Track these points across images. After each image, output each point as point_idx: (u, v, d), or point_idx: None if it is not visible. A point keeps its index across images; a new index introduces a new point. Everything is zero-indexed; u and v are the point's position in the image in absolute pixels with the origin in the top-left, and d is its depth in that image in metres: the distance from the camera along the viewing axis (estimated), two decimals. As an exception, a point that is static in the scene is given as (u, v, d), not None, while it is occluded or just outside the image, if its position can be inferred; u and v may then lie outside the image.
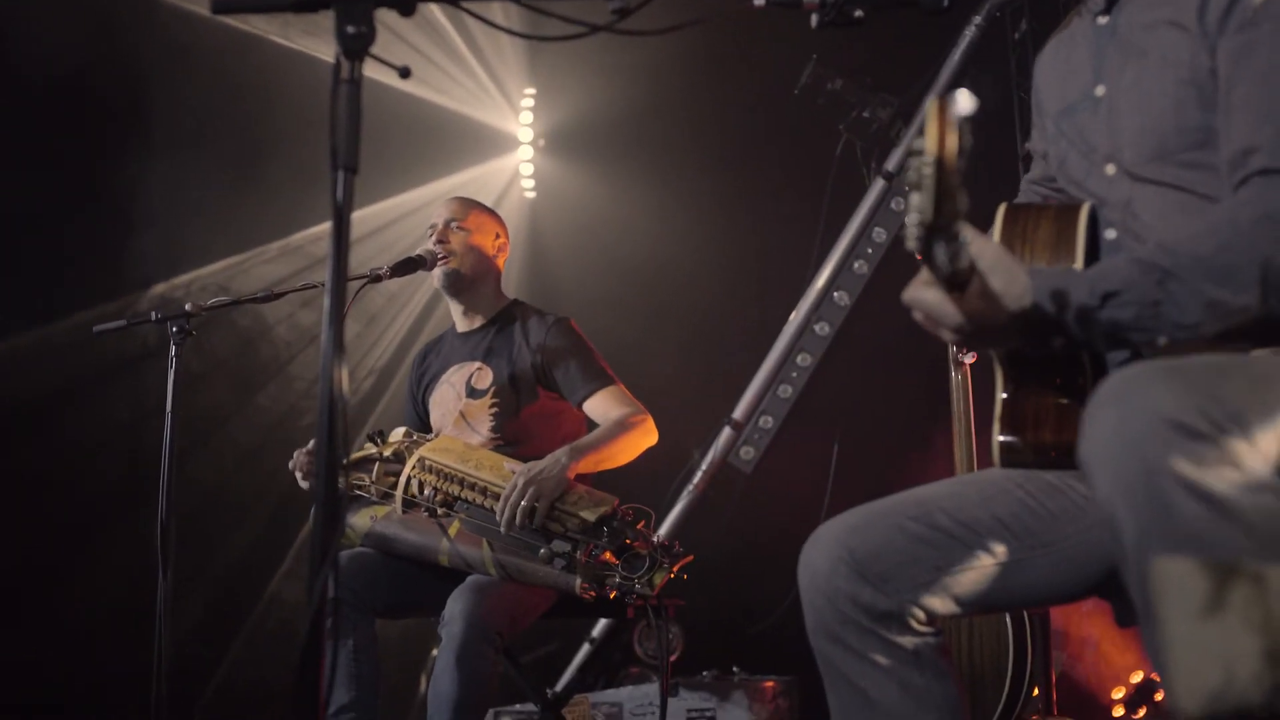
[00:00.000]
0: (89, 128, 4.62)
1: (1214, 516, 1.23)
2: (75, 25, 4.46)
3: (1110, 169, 1.69)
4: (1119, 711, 3.87)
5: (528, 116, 5.49)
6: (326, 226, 1.47)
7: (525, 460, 2.92)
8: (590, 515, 2.81)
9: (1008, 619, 3.35)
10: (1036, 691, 3.40)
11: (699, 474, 4.68)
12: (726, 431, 4.71)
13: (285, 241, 5.02)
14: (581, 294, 5.03)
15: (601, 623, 4.61)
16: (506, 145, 5.54)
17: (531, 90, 5.50)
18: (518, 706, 3.98)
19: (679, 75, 4.89)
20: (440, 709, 2.73)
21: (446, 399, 3.24)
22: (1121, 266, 1.46)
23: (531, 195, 5.55)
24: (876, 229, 4.69)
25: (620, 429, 3.03)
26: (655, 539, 2.82)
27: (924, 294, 1.47)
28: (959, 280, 1.42)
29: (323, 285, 1.49)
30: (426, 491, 2.94)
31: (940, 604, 1.64)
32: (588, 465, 2.95)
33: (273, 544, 4.85)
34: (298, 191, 4.77)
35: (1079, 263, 1.61)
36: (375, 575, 2.98)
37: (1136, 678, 3.87)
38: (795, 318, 4.76)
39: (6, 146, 4.30)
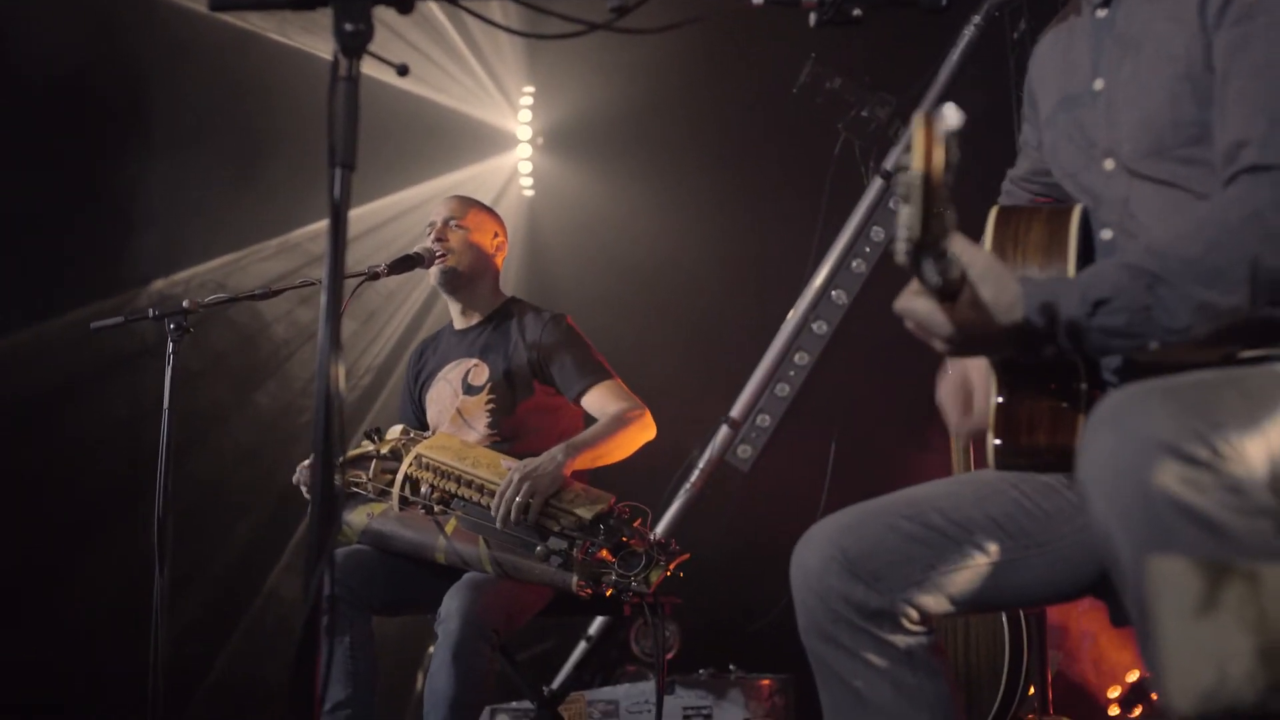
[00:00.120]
0: (87, 125, 4.62)
1: (1211, 541, 1.24)
2: (73, 22, 4.46)
3: (1109, 164, 1.68)
4: (1114, 711, 3.87)
5: (526, 115, 5.48)
6: (325, 224, 1.47)
7: (522, 458, 2.92)
8: (587, 513, 2.82)
9: (1004, 618, 3.35)
10: (1032, 690, 3.41)
11: (696, 472, 4.68)
12: (724, 430, 4.71)
13: (284, 239, 5.02)
14: (580, 292, 5.03)
15: (598, 620, 4.61)
16: (505, 143, 5.53)
17: (530, 88, 5.50)
18: (514, 704, 3.98)
19: (678, 74, 4.89)
20: (436, 706, 2.74)
21: (443, 396, 3.24)
22: (1110, 272, 1.45)
23: (530, 194, 5.55)
24: (875, 228, 4.69)
25: (617, 424, 3.03)
26: (652, 537, 2.82)
27: (915, 304, 1.46)
28: (950, 290, 1.42)
29: (320, 282, 1.49)
30: (423, 489, 2.94)
31: (933, 603, 1.64)
32: (584, 461, 2.95)
33: (271, 541, 4.85)
34: (296, 189, 4.76)
35: (1071, 265, 1.61)
36: (372, 572, 2.99)
37: (1132, 677, 3.87)
38: (793, 316, 4.76)
39: (5, 143, 4.30)
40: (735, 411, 4.73)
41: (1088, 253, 1.68)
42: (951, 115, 1.26)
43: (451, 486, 2.92)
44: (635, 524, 2.84)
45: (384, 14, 1.52)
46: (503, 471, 2.88)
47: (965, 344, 1.47)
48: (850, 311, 4.72)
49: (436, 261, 3.20)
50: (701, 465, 4.69)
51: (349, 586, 2.92)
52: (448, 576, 2.91)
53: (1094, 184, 1.71)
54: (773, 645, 3.87)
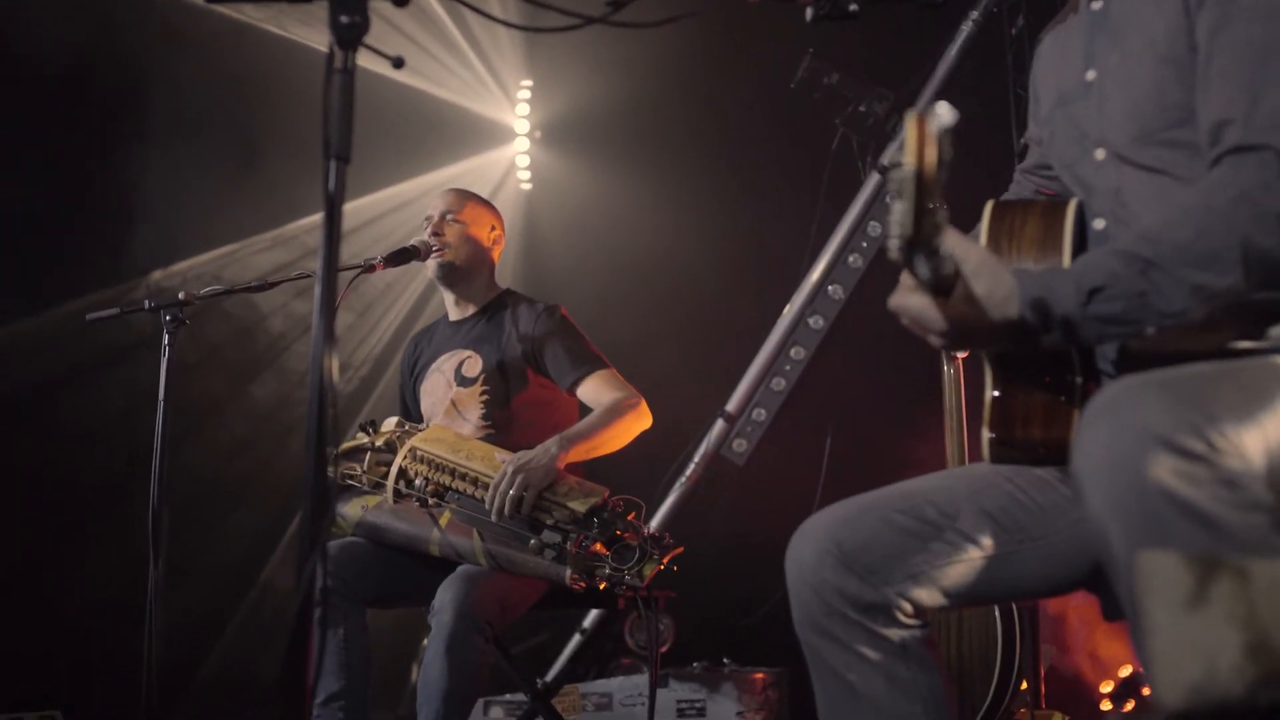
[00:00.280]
0: (85, 118, 4.62)
1: (1205, 535, 1.24)
2: (72, 16, 4.46)
3: (1100, 154, 1.68)
4: (1107, 706, 3.89)
5: (524, 108, 5.49)
6: (321, 216, 1.47)
7: (517, 450, 2.92)
8: (581, 506, 2.82)
9: (996, 612, 3.35)
10: (1025, 685, 3.42)
11: (691, 466, 4.69)
12: (719, 424, 4.72)
13: (280, 231, 5.02)
14: (577, 286, 5.04)
15: (593, 613, 4.61)
16: (503, 137, 5.54)
17: (528, 82, 5.50)
18: (508, 696, 3.98)
19: (676, 69, 4.89)
20: (430, 698, 2.74)
21: (437, 387, 3.25)
22: (1104, 260, 1.45)
23: (527, 187, 5.55)
24: (871, 223, 4.70)
25: (612, 414, 3.03)
26: (646, 530, 2.83)
27: (909, 300, 1.47)
28: (944, 285, 1.43)
29: (315, 275, 1.49)
30: (418, 482, 2.94)
31: (927, 596, 1.64)
32: (579, 454, 2.95)
33: (266, 533, 4.85)
34: (294, 181, 4.77)
35: (1066, 258, 1.61)
36: (366, 565, 2.98)
37: (1125, 671, 3.89)
38: (789, 311, 4.76)
39: (3, 137, 4.29)
40: (731, 406, 4.74)
41: (1083, 246, 1.68)
42: (944, 113, 1.27)
43: (446, 479, 2.92)
44: (629, 517, 2.84)
45: (382, 7, 1.52)
46: (497, 464, 2.88)
47: (960, 339, 1.48)
48: (847, 306, 4.72)
49: (433, 254, 3.19)
50: (697, 459, 4.69)
51: (343, 579, 2.92)
52: (442, 569, 2.91)
53: (1087, 174, 1.72)
54: (767, 639, 3.88)
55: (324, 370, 1.40)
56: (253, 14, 4.88)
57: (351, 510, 3.02)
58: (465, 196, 3.34)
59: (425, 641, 2.81)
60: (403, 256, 3.15)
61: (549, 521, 2.83)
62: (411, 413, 3.35)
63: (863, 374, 4.65)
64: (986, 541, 1.65)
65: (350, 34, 1.45)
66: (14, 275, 4.38)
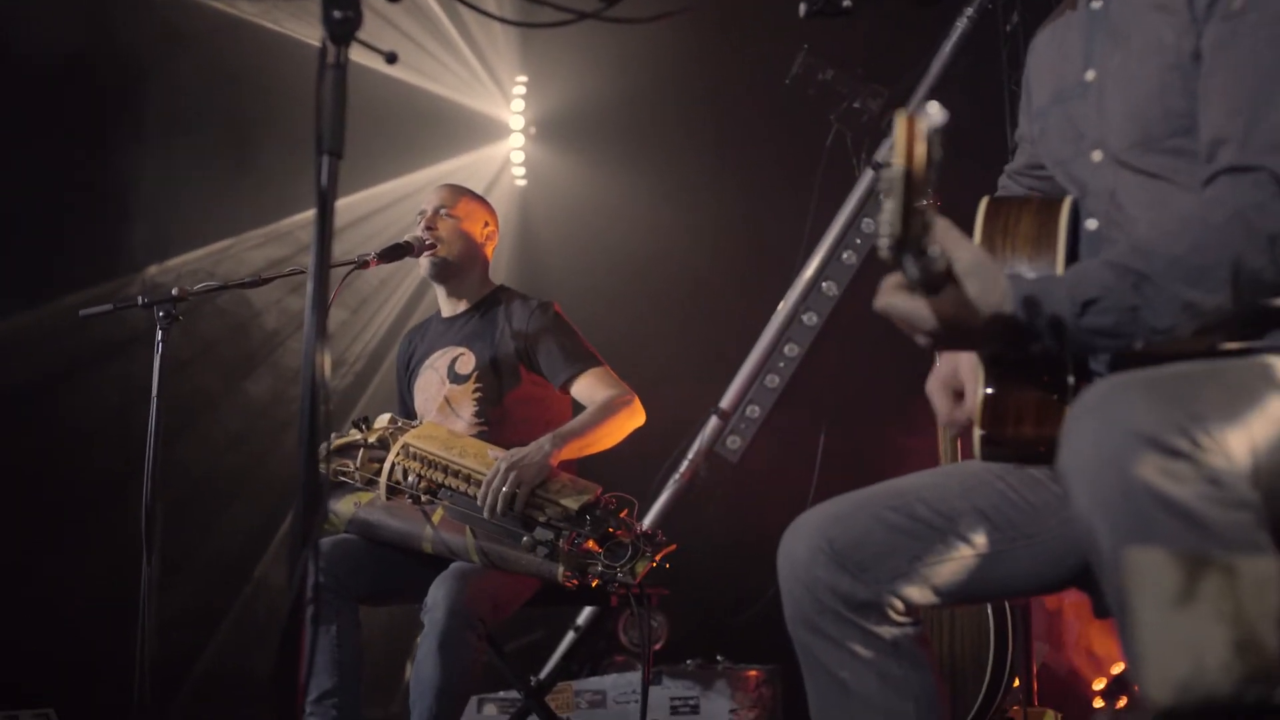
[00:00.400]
0: (79, 113, 4.61)
1: (1190, 532, 1.24)
2: (65, 10, 4.45)
3: (1097, 155, 1.68)
4: (1099, 704, 3.89)
5: (519, 104, 5.48)
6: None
7: (510, 447, 2.92)
8: (573, 503, 2.82)
9: (989, 610, 3.36)
10: (1017, 682, 3.42)
11: (685, 463, 4.69)
12: (713, 421, 4.72)
13: (275, 226, 5.02)
14: (571, 282, 5.03)
15: (587, 611, 4.61)
16: (498, 132, 5.53)
17: (523, 78, 5.49)
18: (501, 694, 3.98)
19: (671, 64, 4.89)
20: (422, 695, 2.74)
21: (430, 384, 3.24)
22: (1097, 272, 1.44)
23: (522, 183, 5.55)
24: (865, 220, 4.70)
25: (605, 411, 3.02)
26: (639, 528, 2.83)
27: (896, 300, 1.44)
28: (933, 285, 1.42)
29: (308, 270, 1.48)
30: (410, 478, 2.94)
31: (919, 594, 1.64)
32: (572, 450, 2.95)
33: (260, 529, 4.85)
34: (290, 176, 4.76)
35: (1060, 256, 1.61)
36: (359, 562, 2.98)
37: (1118, 669, 3.89)
38: (783, 307, 4.76)
39: (-1, 130, 4.29)
40: (725, 402, 4.74)
41: (1077, 245, 1.68)
42: (935, 112, 1.26)
43: (438, 476, 2.92)
44: (622, 515, 2.84)
45: (375, 2, 1.52)
46: (490, 461, 2.88)
47: (948, 339, 1.45)
48: (840, 303, 4.73)
49: (426, 250, 3.19)
50: (690, 456, 4.70)
51: (335, 576, 2.92)
52: (434, 566, 2.91)
53: (1081, 174, 1.71)
54: (760, 636, 3.87)
55: (316, 366, 1.40)
56: (247, 9, 4.87)
57: (344, 507, 3.01)
58: (459, 192, 3.34)
59: (418, 639, 2.80)
60: (396, 252, 3.14)
61: (541, 519, 2.83)
62: (406, 410, 3.35)
63: (856, 370, 4.65)
64: (978, 540, 1.65)
65: (343, 29, 1.45)
66: (9, 271, 4.37)
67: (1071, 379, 1.57)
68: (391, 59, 1.59)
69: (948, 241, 1.39)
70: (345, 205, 4.91)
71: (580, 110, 5.33)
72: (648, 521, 4.52)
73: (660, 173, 5.09)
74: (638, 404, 3.08)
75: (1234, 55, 1.52)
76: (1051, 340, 1.44)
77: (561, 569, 2.77)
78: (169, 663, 4.06)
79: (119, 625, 3.24)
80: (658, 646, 4.23)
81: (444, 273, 3.24)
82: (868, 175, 4.70)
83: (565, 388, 3.12)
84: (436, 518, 2.93)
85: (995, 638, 3.35)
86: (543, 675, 4.41)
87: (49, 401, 4.45)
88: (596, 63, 5.09)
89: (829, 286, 4.73)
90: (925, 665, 1.66)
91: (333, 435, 3.05)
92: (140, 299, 2.91)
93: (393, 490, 2.96)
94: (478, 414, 3.14)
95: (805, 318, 4.75)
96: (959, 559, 1.65)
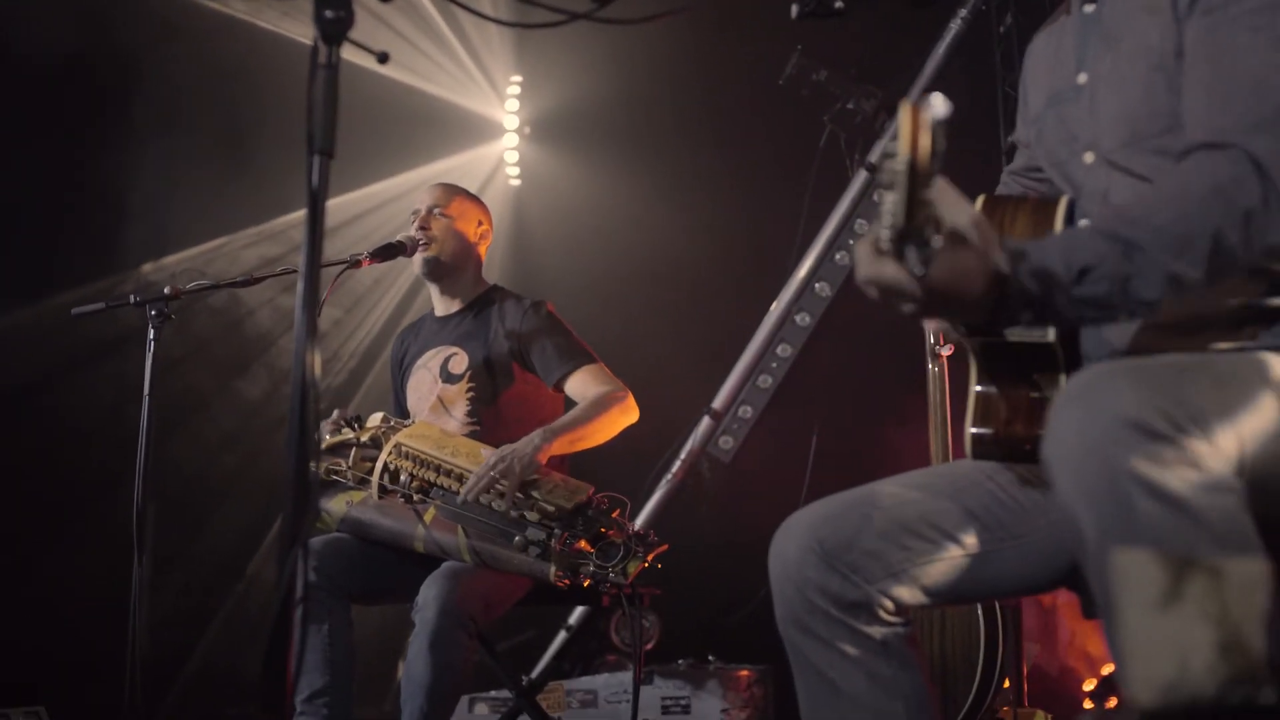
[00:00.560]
0: (75, 112, 4.60)
1: (1173, 517, 1.23)
2: (60, 9, 4.44)
3: (1089, 157, 1.69)
4: (1088, 705, 3.90)
5: (514, 104, 5.48)
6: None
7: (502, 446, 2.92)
8: (565, 503, 2.82)
9: (979, 610, 3.36)
10: (1008, 683, 3.43)
11: (677, 463, 4.69)
12: (706, 421, 4.72)
13: (268, 226, 5.01)
14: (565, 282, 5.04)
15: (578, 610, 4.61)
16: (492, 132, 5.53)
17: (518, 78, 5.49)
18: (493, 693, 3.98)
19: (665, 65, 4.89)
20: (414, 694, 2.74)
21: (423, 383, 3.24)
22: (1088, 239, 1.42)
23: (516, 183, 5.55)
24: (859, 220, 4.70)
25: (598, 407, 3.02)
26: (630, 528, 2.83)
27: (883, 269, 1.36)
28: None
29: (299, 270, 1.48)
30: (403, 478, 2.94)
31: (909, 594, 1.64)
32: (564, 445, 2.94)
33: (253, 527, 4.85)
34: (282, 176, 4.76)
35: None
36: (350, 560, 2.98)
37: (1108, 669, 3.90)
38: (776, 308, 4.77)
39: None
40: (717, 403, 4.74)
41: None
42: (939, 104, 1.26)
43: (430, 475, 2.92)
44: (614, 514, 2.84)
45: (368, 1, 1.52)
46: (482, 460, 2.88)
47: (935, 305, 1.39)
48: (834, 304, 4.73)
49: (419, 250, 3.19)
50: (683, 456, 4.70)
51: (327, 574, 2.92)
52: (426, 565, 2.91)
53: (1076, 175, 1.72)
54: (752, 636, 3.88)
55: (307, 365, 1.40)
56: (241, 8, 4.87)
57: (336, 505, 3.01)
58: (453, 191, 3.34)
59: (410, 638, 2.80)
60: (389, 252, 3.14)
61: (534, 518, 2.83)
62: (399, 409, 3.35)
63: (849, 371, 4.66)
64: (968, 540, 1.65)
65: (335, 29, 1.45)
66: (3, 269, 4.37)
67: (1064, 377, 1.58)
68: (383, 59, 1.59)
69: (947, 202, 1.35)
70: (339, 205, 4.91)
71: (574, 110, 5.33)
72: (640, 521, 4.52)
73: (654, 173, 5.10)
74: (631, 400, 3.07)
75: (1213, 46, 1.53)
76: (1041, 308, 1.40)
77: (553, 568, 2.77)
78: (160, 661, 4.05)
79: (110, 623, 3.23)
80: (649, 646, 4.23)
81: (437, 272, 3.24)
82: (861, 176, 4.70)
83: (559, 385, 3.12)
84: (428, 517, 2.92)
85: (985, 638, 3.36)
86: (534, 675, 4.41)
87: (42, 399, 4.44)
88: (591, 63, 5.09)
89: (822, 287, 4.74)
90: (914, 665, 1.66)
91: (324, 423, 3.04)
92: (132, 297, 2.90)
93: (385, 489, 2.96)
94: (470, 413, 3.14)
95: (798, 318, 4.75)
96: (949, 559, 1.65)
